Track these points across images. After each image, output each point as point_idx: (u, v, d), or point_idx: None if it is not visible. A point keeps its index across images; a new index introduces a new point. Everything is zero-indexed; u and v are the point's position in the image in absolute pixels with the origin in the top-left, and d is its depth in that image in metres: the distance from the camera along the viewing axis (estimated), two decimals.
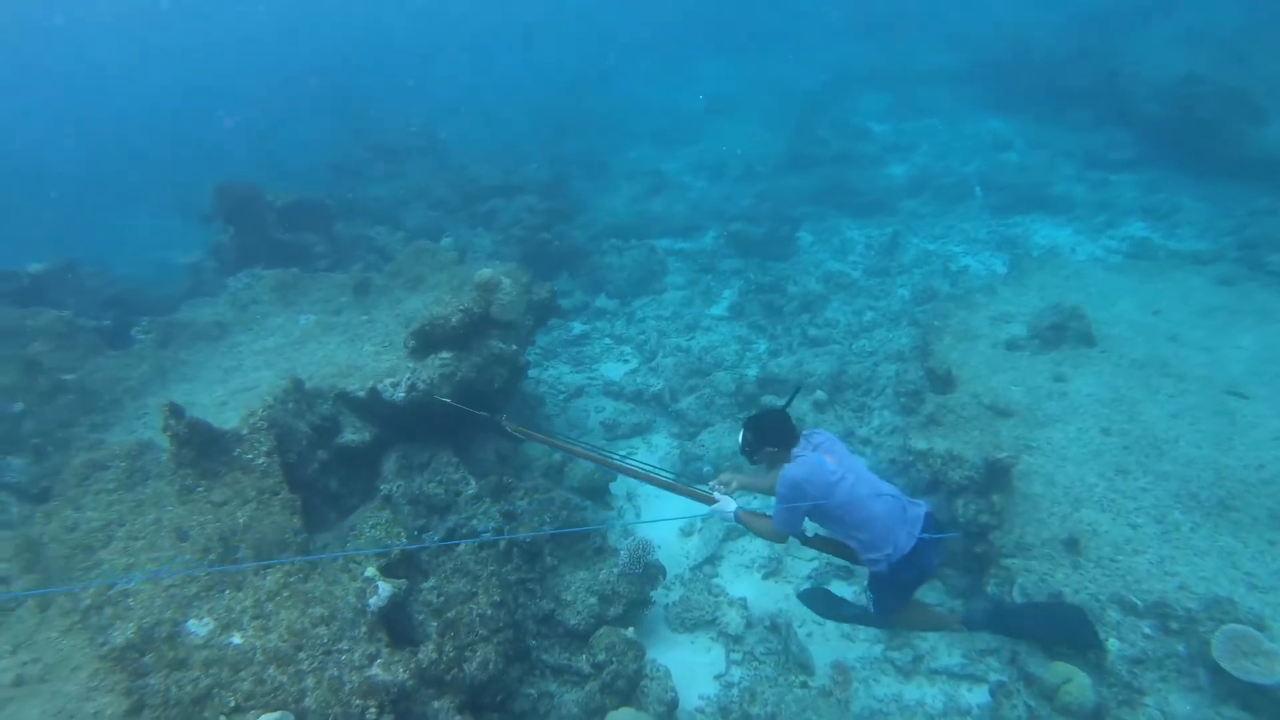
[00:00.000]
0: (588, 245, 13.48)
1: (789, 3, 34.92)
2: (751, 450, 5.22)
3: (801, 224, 15.36)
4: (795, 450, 5.07)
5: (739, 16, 33.84)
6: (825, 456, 4.95)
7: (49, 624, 5.12)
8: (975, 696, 6.34)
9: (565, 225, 13.34)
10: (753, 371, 10.36)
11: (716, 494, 5.46)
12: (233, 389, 7.86)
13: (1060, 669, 5.91)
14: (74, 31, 41.84)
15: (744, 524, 5.31)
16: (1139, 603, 6.22)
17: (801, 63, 27.05)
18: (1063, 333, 9.15)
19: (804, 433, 5.25)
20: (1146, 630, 6.13)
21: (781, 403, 5.46)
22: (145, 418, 7.71)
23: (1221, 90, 15.12)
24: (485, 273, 7.68)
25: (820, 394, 9.47)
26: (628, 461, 6.14)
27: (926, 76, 23.65)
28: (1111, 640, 6.08)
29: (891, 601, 5.34)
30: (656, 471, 5.80)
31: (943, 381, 8.55)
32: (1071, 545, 6.68)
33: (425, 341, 7.32)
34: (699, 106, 24.58)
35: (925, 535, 4.88)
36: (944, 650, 6.74)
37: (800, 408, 9.17)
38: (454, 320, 7.20)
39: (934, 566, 5.09)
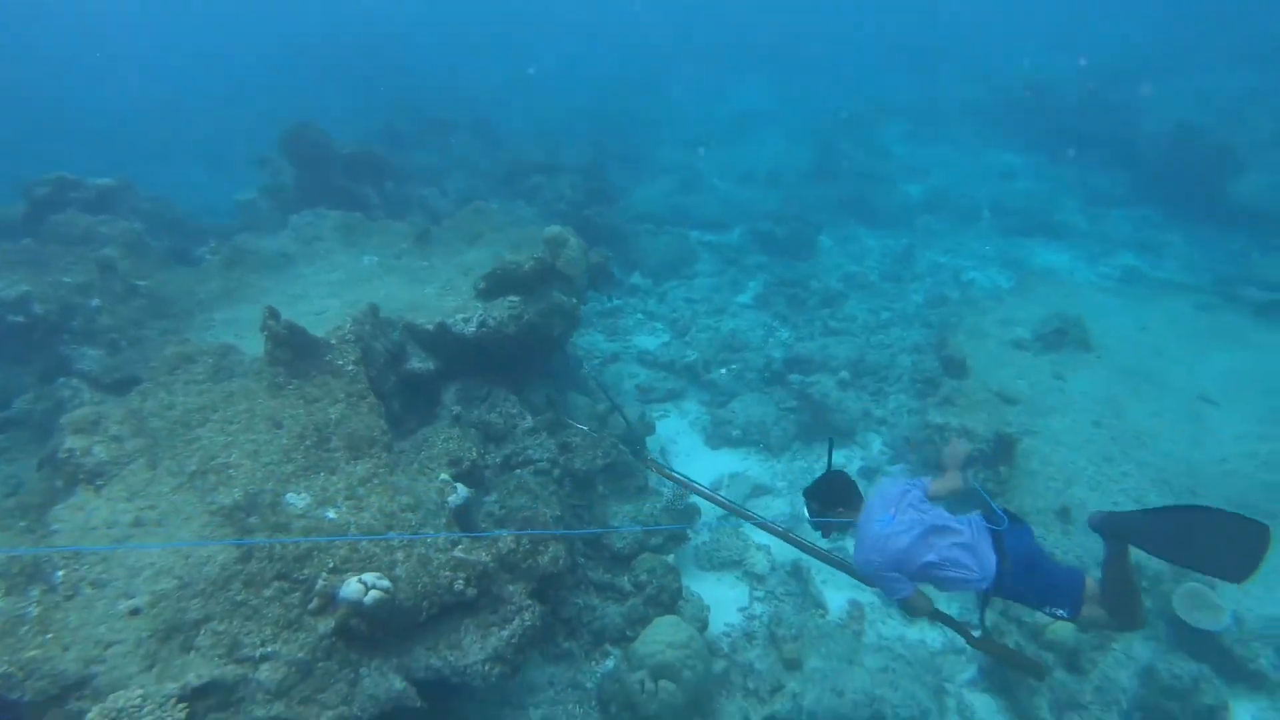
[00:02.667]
0: (624, 227, 14.13)
1: (833, 31, 36.19)
2: (820, 517, 4.61)
3: (822, 229, 16.16)
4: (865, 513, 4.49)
5: (783, 37, 34.98)
6: (890, 511, 4.38)
7: (159, 481, 5.62)
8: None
9: (604, 206, 13.95)
10: (779, 353, 11.02)
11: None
12: (300, 313, 8.32)
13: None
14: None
15: (911, 608, 4.54)
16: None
17: (836, 86, 28.12)
18: (1063, 337, 9.96)
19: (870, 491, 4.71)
20: None
21: (825, 460, 5.23)
22: (213, 330, 8.17)
23: (1210, 141, 16.56)
24: (554, 229, 8.27)
25: (844, 374, 10.17)
26: (769, 521, 5.48)
27: (949, 108, 24.98)
28: None
29: (1044, 588, 4.26)
30: (799, 536, 5.29)
31: (957, 369, 9.26)
32: (1063, 514, 7.44)
33: (496, 284, 7.86)
34: (734, 114, 25.39)
35: (995, 528, 4.26)
36: (944, 600, 7.39)
37: (825, 383, 9.85)
38: (527, 266, 7.77)
39: (1028, 545, 4.29)
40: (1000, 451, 7.76)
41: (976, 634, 4.56)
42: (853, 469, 9.15)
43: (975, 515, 4.38)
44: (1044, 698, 6.33)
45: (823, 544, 5.27)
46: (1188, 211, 16.46)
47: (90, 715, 4.19)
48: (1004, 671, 6.44)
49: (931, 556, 4.21)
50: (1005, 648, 4.88)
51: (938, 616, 4.65)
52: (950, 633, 6.98)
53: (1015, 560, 4.15)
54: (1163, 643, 6.64)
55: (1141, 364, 9.90)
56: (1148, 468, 8.09)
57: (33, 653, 4.42)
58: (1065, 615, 4.17)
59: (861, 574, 4.57)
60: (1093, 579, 4.24)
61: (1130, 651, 6.54)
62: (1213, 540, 3.80)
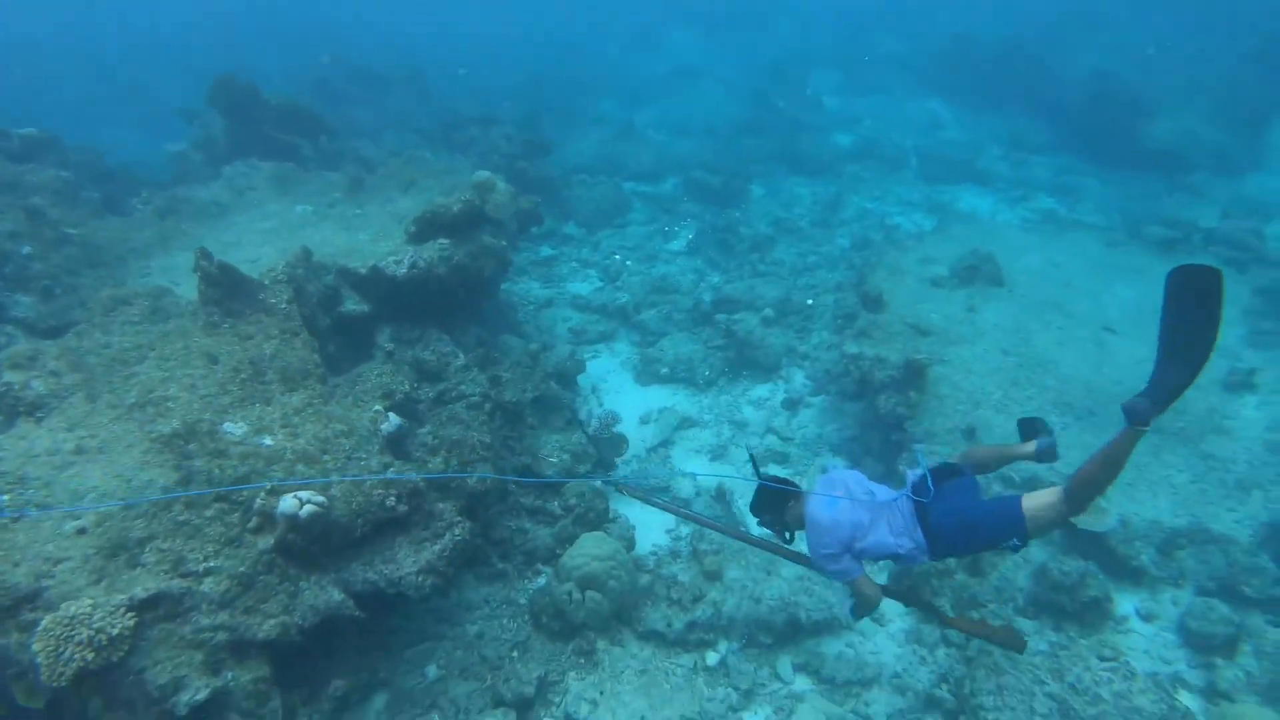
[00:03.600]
0: (558, 178, 14.35)
1: None
2: (780, 528, 4.84)
3: (754, 179, 16.61)
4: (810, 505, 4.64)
5: None
6: (841, 501, 4.57)
7: (99, 413, 5.81)
8: None
9: (539, 158, 14.14)
10: (708, 296, 11.42)
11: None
12: (235, 260, 8.39)
13: None
14: None
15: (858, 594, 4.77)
16: (1016, 477, 7.54)
17: (765, 39, 28.32)
18: (976, 273, 10.52)
19: (820, 478, 4.90)
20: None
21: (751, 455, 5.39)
22: (149, 277, 8.27)
23: (1123, 88, 17.58)
24: (483, 174, 8.53)
25: (769, 312, 10.61)
26: (737, 529, 5.81)
27: (878, 60, 25.44)
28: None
29: (987, 536, 4.46)
30: (761, 536, 5.42)
31: (874, 304, 9.74)
32: (970, 434, 7.96)
33: (426, 227, 8.10)
34: (671, 70, 25.59)
35: (921, 499, 4.45)
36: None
37: (749, 321, 10.29)
38: (455, 209, 8.02)
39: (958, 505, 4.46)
40: (910, 377, 8.26)
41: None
42: (776, 401, 9.65)
43: (904, 492, 4.54)
44: (946, 598, 6.85)
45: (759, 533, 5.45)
46: (1105, 157, 17.32)
47: (44, 623, 4.46)
48: (909, 579, 6.98)
49: (872, 539, 4.44)
50: (983, 624, 5.06)
51: (907, 600, 5.07)
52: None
53: (942, 529, 4.36)
54: (1056, 546, 7.25)
55: (1050, 297, 10.52)
56: (1050, 390, 8.69)
57: None
58: (1018, 544, 4.32)
59: (817, 563, 4.64)
60: (1031, 494, 4.42)
61: (1027, 555, 7.14)
62: (1189, 320, 4.04)
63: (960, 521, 4.38)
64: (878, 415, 8.38)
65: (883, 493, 4.69)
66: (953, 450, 7.81)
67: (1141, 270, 11.48)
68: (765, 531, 5.11)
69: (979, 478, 4.76)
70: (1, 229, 7.84)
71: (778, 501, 4.77)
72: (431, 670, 6.04)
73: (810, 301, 11.27)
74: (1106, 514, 7.08)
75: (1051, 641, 6.32)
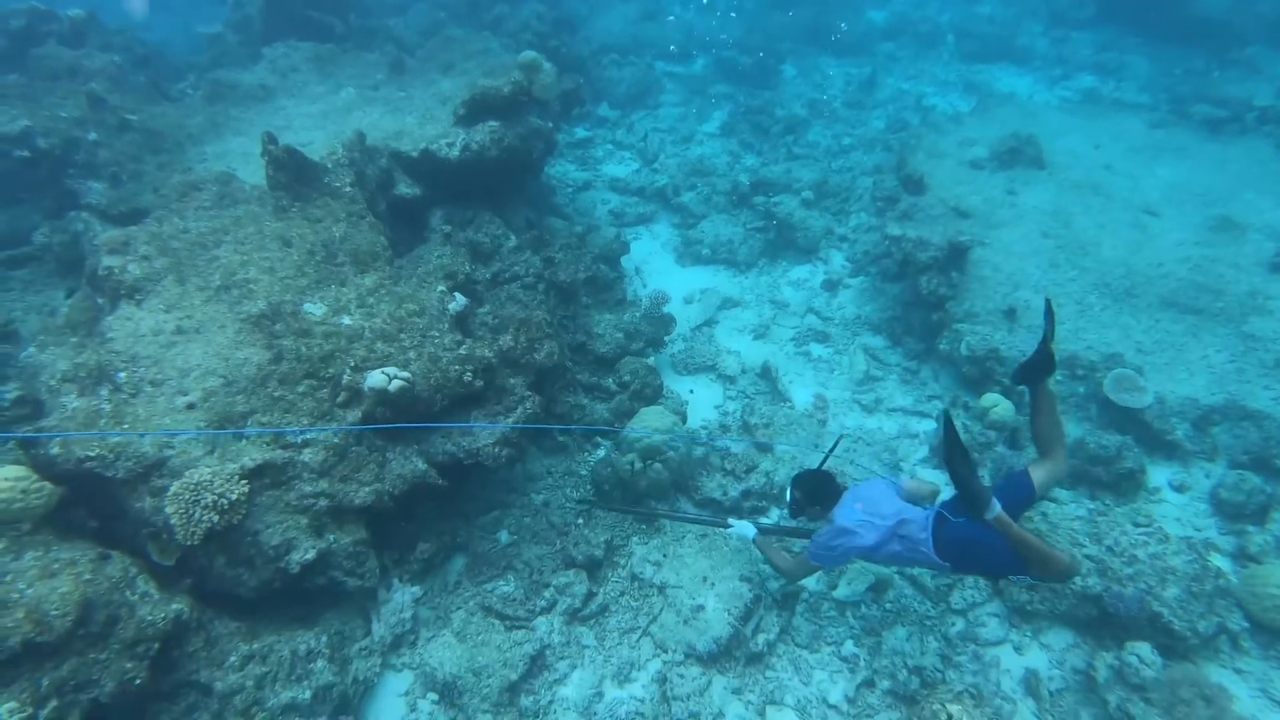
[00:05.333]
0: (588, 58, 14.12)
1: None
2: (798, 509, 5.18)
3: (786, 58, 16.22)
4: (834, 511, 5.03)
5: None
6: (856, 505, 4.95)
7: (190, 295, 6.10)
8: (921, 425, 7.92)
9: (568, 36, 13.88)
10: (745, 178, 11.44)
11: (732, 520, 5.66)
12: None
13: (990, 397, 7.51)
14: None
15: (762, 549, 5.52)
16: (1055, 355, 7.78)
17: None
18: (1017, 156, 10.52)
19: (850, 487, 5.23)
20: (1058, 376, 7.76)
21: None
22: (205, 163, 8.38)
23: None
24: (529, 54, 8.47)
25: (808, 194, 10.69)
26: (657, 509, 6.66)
27: None
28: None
29: (993, 567, 4.75)
30: (681, 512, 6.59)
31: (915, 186, 9.82)
32: (1010, 314, 8.20)
33: (475, 109, 8.15)
34: None
35: (951, 519, 4.68)
36: (900, 394, 8.29)
37: (788, 203, 10.40)
38: (505, 91, 8.05)
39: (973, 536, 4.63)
40: (952, 258, 8.44)
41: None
42: (815, 282, 9.87)
43: (932, 511, 4.76)
44: (986, 469, 7.21)
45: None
46: (1151, 30, 16.65)
47: (173, 488, 4.89)
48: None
49: (882, 554, 4.80)
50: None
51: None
52: (905, 421, 7.99)
53: (954, 553, 4.62)
54: (1093, 423, 7.57)
55: (1091, 179, 10.53)
56: (1089, 273, 8.87)
57: (116, 439, 5.05)
58: (1027, 580, 4.59)
59: (816, 549, 5.01)
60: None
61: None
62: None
63: (969, 551, 4.63)
64: (919, 296, 8.60)
65: (907, 512, 4.86)
66: (993, 330, 8.08)
67: (1185, 151, 11.41)
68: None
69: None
70: (68, 116, 7.93)
71: (820, 492, 5.10)
72: (504, 535, 6.50)
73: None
74: (1144, 391, 7.37)
75: (1089, 508, 6.71)
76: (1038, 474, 4.77)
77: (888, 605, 6.19)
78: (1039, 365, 4.84)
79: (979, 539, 4.55)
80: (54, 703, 4.26)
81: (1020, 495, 4.76)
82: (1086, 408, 7.65)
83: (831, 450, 5.57)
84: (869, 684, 5.75)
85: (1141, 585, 5.78)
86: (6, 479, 4.90)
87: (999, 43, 16.95)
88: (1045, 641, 6.04)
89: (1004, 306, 8.26)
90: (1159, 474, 7.24)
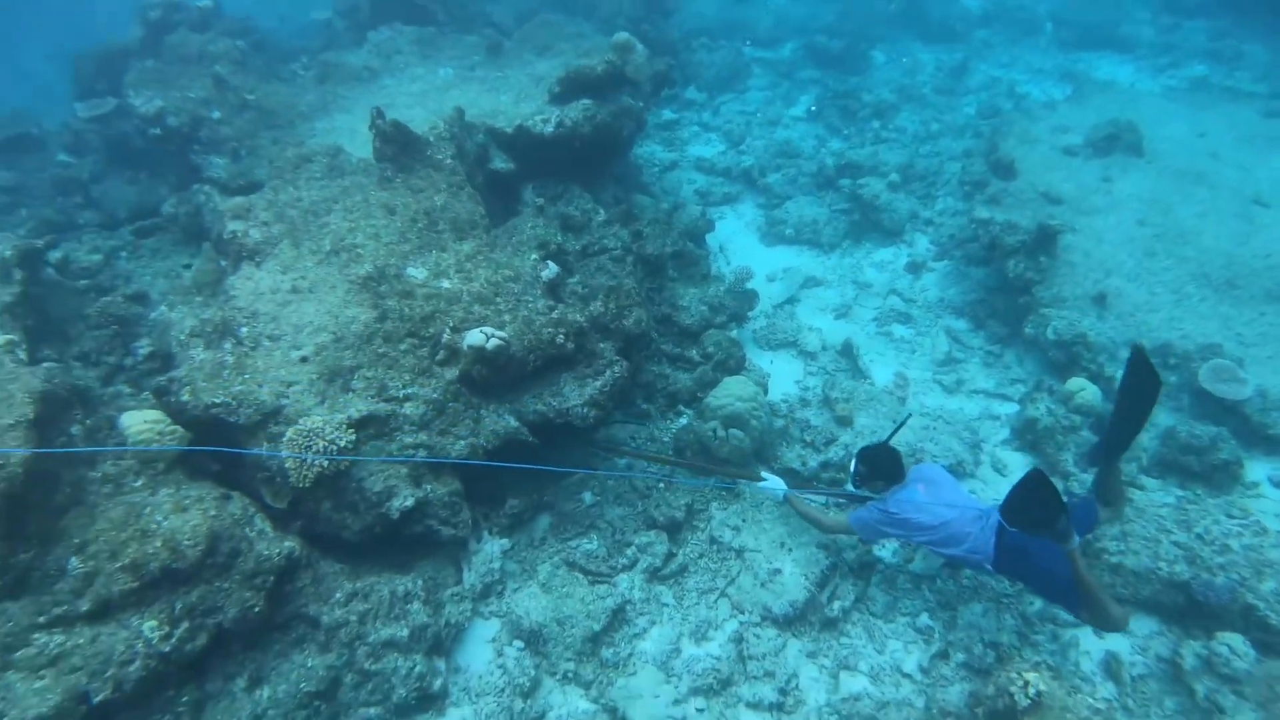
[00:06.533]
0: (678, 41, 14.30)
1: None
2: (861, 480, 5.42)
3: (876, 44, 16.13)
4: (896, 487, 5.28)
5: None
6: (918, 486, 5.18)
7: (304, 258, 6.54)
8: (1004, 408, 7.87)
9: (660, 20, 14.08)
10: (831, 161, 11.47)
11: (766, 473, 6.07)
12: None
13: (1076, 381, 7.42)
14: None
15: (793, 505, 5.83)
16: (1147, 344, 7.63)
17: None
18: (1115, 142, 10.27)
19: (913, 466, 5.48)
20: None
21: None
22: (315, 138, 8.87)
23: None
24: (623, 35, 8.70)
25: (894, 176, 10.67)
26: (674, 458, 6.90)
27: None
28: (1120, 372, 7.55)
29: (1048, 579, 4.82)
30: (703, 465, 6.63)
31: (1005, 171, 9.71)
32: (1099, 300, 8.08)
33: (569, 87, 8.43)
34: None
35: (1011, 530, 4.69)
36: (982, 377, 8.25)
37: (874, 185, 10.40)
38: (599, 69, 8.31)
39: (1044, 546, 4.66)
40: (1041, 242, 8.34)
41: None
42: (899, 264, 9.86)
43: (995, 515, 4.84)
44: (1070, 453, 7.15)
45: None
46: (1269, 19, 15.80)
47: (288, 434, 5.28)
48: (1033, 434, 7.32)
49: (945, 536, 4.96)
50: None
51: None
52: (987, 403, 7.94)
53: (1009, 562, 4.78)
54: (1186, 411, 7.40)
55: (1194, 167, 10.19)
56: (1188, 262, 8.63)
57: (238, 388, 5.48)
58: (1072, 616, 4.86)
59: (866, 520, 5.28)
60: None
61: (1154, 419, 7.29)
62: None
63: (1027, 565, 4.78)
64: (1005, 280, 8.53)
65: (973, 509, 5.01)
66: (1082, 315, 7.97)
67: None
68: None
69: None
70: (195, 96, 8.54)
71: (885, 467, 5.32)
72: (588, 496, 6.74)
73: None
74: (1243, 383, 7.17)
75: (1179, 496, 6.58)
76: (1102, 513, 4.99)
77: (965, 581, 6.21)
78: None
79: (1040, 559, 4.67)
80: (186, 624, 4.68)
81: (1088, 523, 4.98)
82: (1178, 397, 7.48)
83: (899, 427, 5.76)
84: (943, 655, 5.79)
85: (1234, 575, 5.64)
86: (146, 421, 5.39)
87: (1100, 30, 16.42)
88: (1128, 627, 5.98)
89: (1094, 292, 8.14)
90: (1258, 469, 6.99)
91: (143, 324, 7.23)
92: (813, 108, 13.48)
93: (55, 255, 7.67)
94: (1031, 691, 4.49)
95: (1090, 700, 4.79)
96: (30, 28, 19.46)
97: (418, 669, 5.32)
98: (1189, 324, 7.91)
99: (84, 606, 4.54)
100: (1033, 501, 4.22)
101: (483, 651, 5.81)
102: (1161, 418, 7.25)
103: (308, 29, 12.28)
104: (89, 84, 10.14)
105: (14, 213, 8.96)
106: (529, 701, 5.45)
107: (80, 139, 10.00)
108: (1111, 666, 5.65)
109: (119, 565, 4.60)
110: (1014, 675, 4.70)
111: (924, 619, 6.02)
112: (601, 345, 6.51)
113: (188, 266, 7.92)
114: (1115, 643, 5.83)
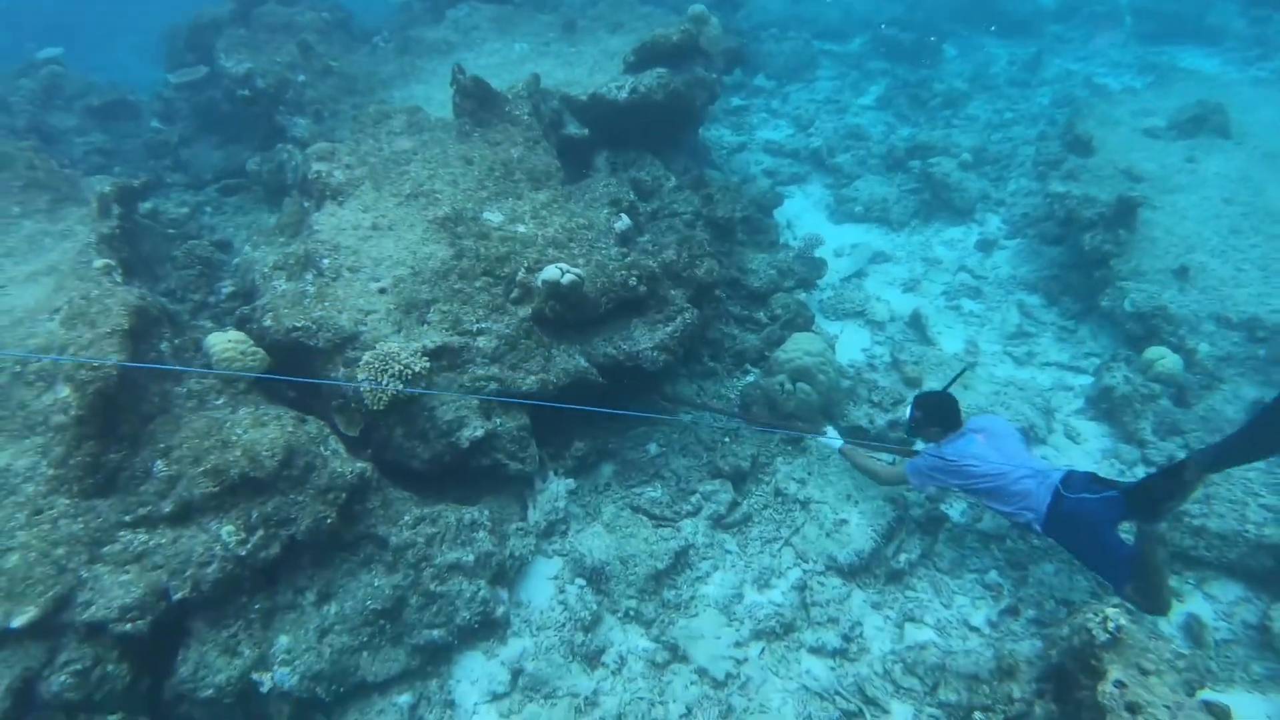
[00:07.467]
0: (747, 32, 14.43)
1: None
2: (917, 427, 5.50)
3: (947, 38, 15.96)
4: (952, 435, 5.35)
5: None
6: (977, 436, 5.22)
7: (384, 200, 6.73)
8: (1077, 380, 7.69)
9: (731, 12, 14.23)
10: (901, 144, 11.38)
11: (829, 427, 6.23)
12: None
13: (1156, 350, 7.21)
14: None
15: (848, 457, 5.91)
16: (1234, 318, 7.41)
17: None
18: (1201, 124, 9.99)
19: (973, 417, 5.51)
20: (1235, 339, 7.36)
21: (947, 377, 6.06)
22: (393, 103, 9.15)
23: None
24: (698, 7, 8.80)
25: (966, 156, 10.54)
26: (733, 410, 6.98)
27: None
28: (1203, 344, 7.33)
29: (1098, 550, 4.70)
30: (768, 420, 6.69)
31: (1083, 148, 9.53)
32: (1181, 273, 7.85)
33: (645, 57, 8.55)
34: None
35: (1069, 495, 4.68)
36: (1055, 350, 8.07)
37: (945, 164, 10.28)
38: (674, 38, 8.42)
39: (1103, 516, 4.59)
40: (1120, 215, 8.15)
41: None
42: (969, 242, 9.71)
43: (1057, 472, 4.86)
44: (1148, 421, 6.94)
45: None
46: None
47: (365, 358, 5.42)
48: (1109, 403, 7.13)
49: (996, 488, 4.96)
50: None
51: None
52: (1060, 374, 7.77)
53: (1062, 525, 4.70)
54: (1275, 387, 7.03)
55: None
56: (1278, 240, 8.36)
57: (318, 313, 5.65)
58: (1112, 590, 4.70)
59: (919, 464, 5.35)
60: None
61: (1238, 392, 7.07)
62: None
63: (1082, 526, 4.66)
64: (1081, 254, 8.34)
65: (1032, 466, 4.97)
66: (1162, 288, 7.76)
67: None
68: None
69: None
70: (282, 61, 8.89)
71: (941, 415, 5.39)
72: (653, 447, 6.76)
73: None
74: None
75: (1270, 460, 6.32)
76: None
77: (1035, 541, 6.06)
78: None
79: (1099, 530, 4.59)
80: (261, 532, 4.79)
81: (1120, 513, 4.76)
82: (1267, 371, 7.20)
83: (957, 377, 5.81)
84: (1012, 611, 5.65)
85: None
86: (230, 340, 5.57)
87: (1184, 22, 15.96)
88: (1210, 591, 5.76)
89: (1175, 266, 7.91)
90: None
91: (225, 269, 7.51)
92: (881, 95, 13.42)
93: (146, 206, 8.02)
94: (1111, 626, 4.33)
95: (1174, 646, 4.62)
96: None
97: (481, 594, 5.37)
98: (1278, 299, 7.63)
99: (167, 508, 4.70)
100: (1174, 492, 4.17)
101: (544, 588, 5.83)
102: (1248, 390, 7.00)
103: (388, 11, 12.68)
104: (180, 56, 10.62)
105: (108, 172, 9.38)
106: (589, 635, 5.46)
107: (170, 107, 10.46)
108: (1193, 628, 5.44)
109: (201, 470, 4.74)
110: (1092, 614, 4.55)
111: (993, 575, 5.89)
112: (673, 292, 6.54)
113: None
114: (1197, 606, 5.63)
